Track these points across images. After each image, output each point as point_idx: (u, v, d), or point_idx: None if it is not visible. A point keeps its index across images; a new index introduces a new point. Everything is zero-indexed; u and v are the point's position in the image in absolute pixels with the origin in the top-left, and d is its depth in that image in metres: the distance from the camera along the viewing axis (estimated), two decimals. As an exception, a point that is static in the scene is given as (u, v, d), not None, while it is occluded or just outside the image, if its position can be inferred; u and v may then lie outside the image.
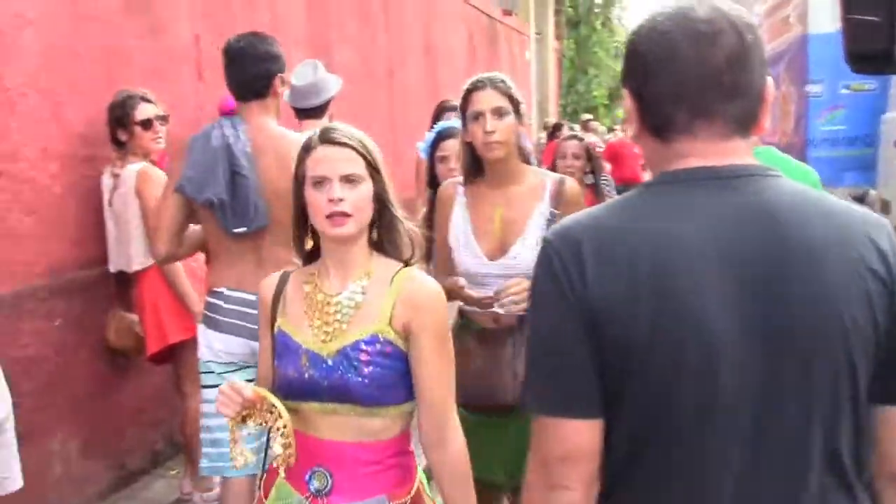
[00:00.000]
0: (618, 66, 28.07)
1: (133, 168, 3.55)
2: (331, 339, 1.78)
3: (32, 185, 3.47)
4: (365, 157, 1.79)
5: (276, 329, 1.87)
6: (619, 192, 4.00)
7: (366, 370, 1.74)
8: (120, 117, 3.64)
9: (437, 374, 1.79)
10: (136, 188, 3.51)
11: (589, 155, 4.47)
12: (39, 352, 3.46)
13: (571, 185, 2.58)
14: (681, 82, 1.15)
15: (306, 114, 3.88)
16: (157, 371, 4.01)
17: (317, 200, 1.76)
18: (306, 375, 1.77)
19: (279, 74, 2.94)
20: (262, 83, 2.89)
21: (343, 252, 1.82)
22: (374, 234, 1.85)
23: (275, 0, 5.51)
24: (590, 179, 4.43)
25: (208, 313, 2.85)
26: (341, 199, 1.74)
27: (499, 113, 2.45)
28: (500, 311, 2.37)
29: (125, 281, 3.73)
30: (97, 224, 3.72)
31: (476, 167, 2.56)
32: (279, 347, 1.85)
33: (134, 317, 3.74)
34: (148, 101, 3.69)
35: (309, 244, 1.90)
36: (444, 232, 2.59)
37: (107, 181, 3.65)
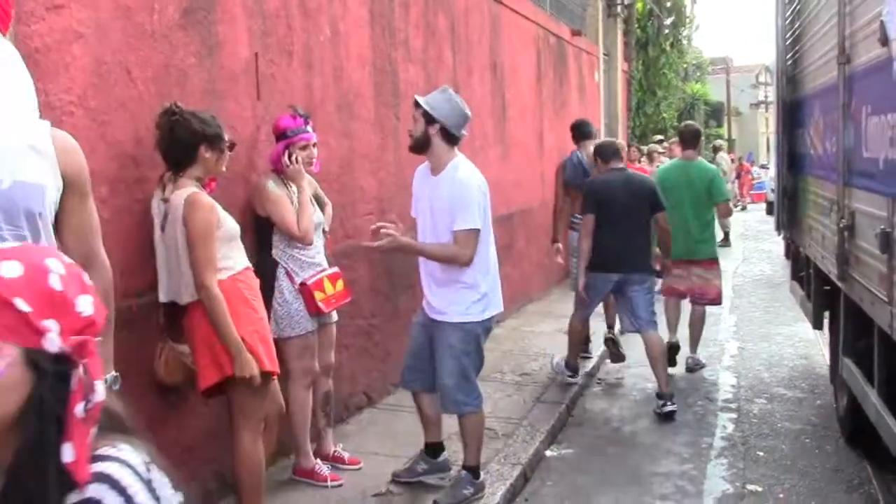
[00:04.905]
0: (687, 87, 27.58)
1: (182, 194, 3.33)
2: None
3: (79, 209, 3.27)
4: None
5: None
6: None
7: None
8: (215, 135, 3.43)
9: None
10: (184, 215, 3.29)
11: None
12: (82, 386, 3.25)
13: None
14: (606, 153, 6.30)
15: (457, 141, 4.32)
16: (209, 404, 3.77)
17: None
18: None
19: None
20: (590, 135, 7.45)
21: None
22: None
23: (336, 17, 5.30)
24: None
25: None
26: None
27: None
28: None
29: (175, 311, 3.51)
30: (146, 250, 3.51)
31: None
32: None
33: (185, 348, 3.52)
34: None
35: None
36: None
37: (157, 206, 3.44)
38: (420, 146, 4.21)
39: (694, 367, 7.06)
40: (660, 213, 6.06)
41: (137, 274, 3.51)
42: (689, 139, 7.03)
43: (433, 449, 4.50)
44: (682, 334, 7.11)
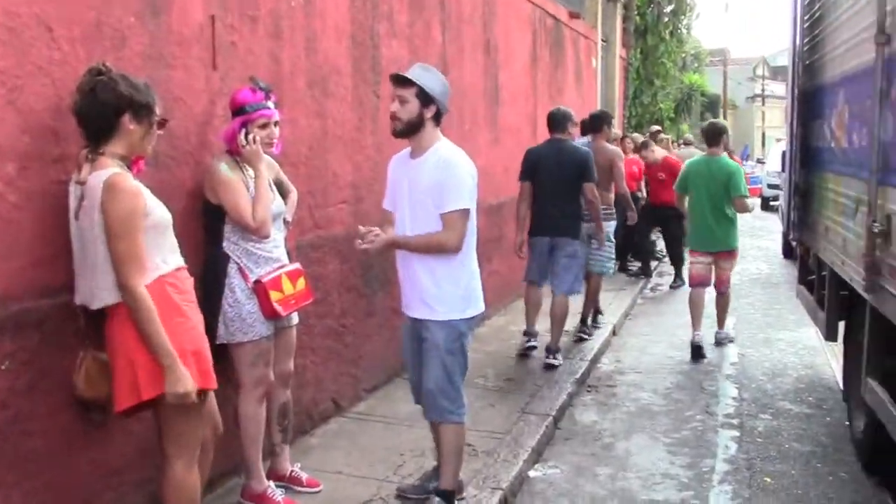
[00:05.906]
0: (685, 78, 26.94)
1: (101, 175, 2.78)
2: None
3: (-21, 191, 2.72)
4: None
5: None
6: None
7: None
8: (144, 105, 2.88)
9: None
10: (102, 201, 2.74)
11: None
12: (-24, 404, 2.71)
13: None
14: (551, 123, 6.85)
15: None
16: (140, 418, 3.22)
17: None
18: None
19: (607, 123, 7.90)
20: (601, 123, 7.75)
21: None
22: None
23: (312, -18, 4.73)
24: None
25: None
26: None
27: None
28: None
29: (98, 314, 2.96)
30: (64, 242, 2.95)
31: None
32: None
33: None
34: None
35: None
36: None
37: (73, 189, 2.89)
38: (413, 130, 3.70)
39: (723, 340, 7.76)
40: (586, 183, 6.54)
41: (53, 269, 2.96)
42: (712, 136, 7.41)
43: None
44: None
